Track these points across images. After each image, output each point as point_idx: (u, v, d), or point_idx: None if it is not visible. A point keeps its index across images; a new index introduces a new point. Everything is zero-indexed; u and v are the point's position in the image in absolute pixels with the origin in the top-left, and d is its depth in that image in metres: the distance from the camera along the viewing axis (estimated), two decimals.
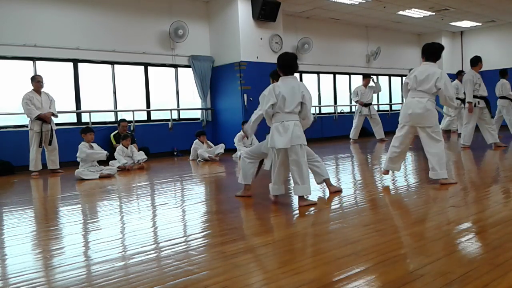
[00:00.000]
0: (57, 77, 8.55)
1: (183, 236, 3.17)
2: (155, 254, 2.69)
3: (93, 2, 8.91)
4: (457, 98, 10.11)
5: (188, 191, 5.11)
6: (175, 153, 9.82)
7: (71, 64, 8.77)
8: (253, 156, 4.37)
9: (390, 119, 14.72)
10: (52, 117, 7.38)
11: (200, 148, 8.66)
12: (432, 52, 4.49)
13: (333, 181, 5.26)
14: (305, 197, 3.83)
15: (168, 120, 9.96)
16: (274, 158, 3.88)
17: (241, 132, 8.92)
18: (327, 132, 12.73)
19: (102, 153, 6.88)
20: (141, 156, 7.73)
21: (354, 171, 6.43)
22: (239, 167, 4.38)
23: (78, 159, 6.82)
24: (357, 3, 11.10)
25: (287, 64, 3.81)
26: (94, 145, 6.98)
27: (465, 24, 14.35)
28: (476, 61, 7.95)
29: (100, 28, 8.99)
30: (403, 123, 4.61)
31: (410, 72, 4.62)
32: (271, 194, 3.99)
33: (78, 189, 5.81)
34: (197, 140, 8.80)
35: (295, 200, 4.36)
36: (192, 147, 8.78)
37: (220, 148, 8.62)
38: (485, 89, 7.84)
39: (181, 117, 10.43)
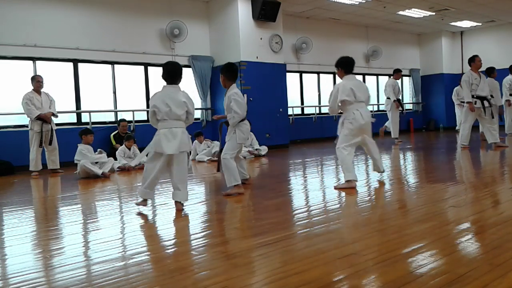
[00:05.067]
0: (57, 77, 8.55)
1: (183, 236, 3.17)
2: (155, 254, 2.69)
3: (93, 2, 8.91)
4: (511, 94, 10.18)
5: (188, 191, 5.10)
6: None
7: (71, 64, 8.77)
8: (234, 153, 4.64)
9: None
10: (52, 117, 7.38)
11: (198, 147, 8.70)
12: (351, 65, 4.80)
13: (333, 181, 5.28)
14: (181, 202, 3.99)
15: None
16: (154, 163, 3.98)
17: None
18: (327, 132, 12.72)
19: (98, 172, 6.65)
20: (143, 159, 7.73)
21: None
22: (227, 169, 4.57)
23: (75, 161, 6.83)
24: (357, 3, 11.10)
25: (171, 74, 3.98)
26: (90, 148, 6.98)
27: (465, 24, 14.34)
28: (472, 59, 7.96)
29: (100, 28, 8.99)
30: (355, 135, 4.71)
31: (336, 91, 4.70)
32: (142, 198, 4.06)
33: (78, 189, 5.81)
34: (196, 140, 8.83)
35: (295, 201, 4.37)
36: (192, 147, 8.80)
37: (216, 146, 8.64)
38: (484, 89, 7.81)
39: None
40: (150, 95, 9.70)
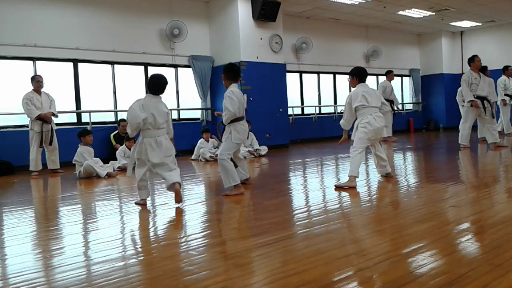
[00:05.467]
0: (57, 77, 8.54)
1: (183, 236, 3.17)
2: (155, 254, 2.69)
3: (93, 2, 8.91)
4: (506, 95, 10.13)
5: (188, 191, 5.11)
6: (175, 153, 9.81)
7: (71, 64, 8.77)
8: (230, 154, 4.69)
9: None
10: (52, 117, 7.38)
11: (205, 147, 8.61)
12: (365, 75, 5.02)
13: (332, 181, 5.28)
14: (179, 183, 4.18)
15: None
16: (141, 168, 4.15)
17: None
18: (327, 132, 12.73)
19: (102, 173, 6.68)
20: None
21: None
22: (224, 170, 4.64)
23: (74, 162, 6.83)
24: (357, 3, 11.09)
25: (157, 86, 4.21)
26: (91, 150, 6.98)
27: (465, 24, 14.34)
28: (472, 59, 7.96)
29: (100, 28, 8.99)
30: (369, 138, 4.85)
31: (349, 100, 4.92)
32: (142, 199, 4.23)
33: (78, 189, 5.81)
34: (202, 139, 8.75)
35: (295, 200, 4.37)
36: (197, 145, 8.70)
37: None
38: (484, 88, 7.82)
39: (181, 117, 10.43)
40: None
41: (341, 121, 5.11)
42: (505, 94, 10.18)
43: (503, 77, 10.28)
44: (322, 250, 2.58)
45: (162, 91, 4.25)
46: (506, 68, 10.32)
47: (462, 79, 7.93)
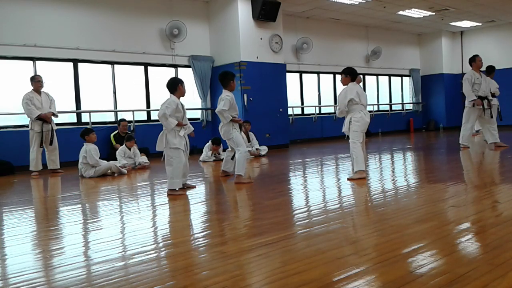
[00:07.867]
0: (57, 77, 8.55)
1: (183, 236, 3.17)
2: (155, 254, 2.69)
3: (93, 2, 8.91)
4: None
5: (188, 191, 5.10)
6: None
7: (71, 64, 8.77)
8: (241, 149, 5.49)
9: (389, 119, 14.74)
10: (53, 117, 7.38)
11: (208, 156, 8.50)
12: (356, 75, 5.49)
13: (332, 181, 5.29)
14: (177, 189, 4.72)
15: None
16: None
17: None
18: (327, 132, 12.74)
19: (124, 171, 7.08)
20: (143, 159, 7.73)
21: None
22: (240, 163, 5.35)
23: (95, 163, 6.74)
24: (357, 3, 11.10)
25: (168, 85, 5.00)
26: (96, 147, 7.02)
27: (465, 24, 14.34)
28: (473, 59, 7.94)
29: (100, 28, 8.99)
30: (362, 131, 5.35)
31: (345, 93, 5.32)
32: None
33: (78, 189, 5.81)
34: (209, 144, 8.59)
35: (295, 200, 4.37)
36: (204, 147, 8.61)
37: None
38: (485, 89, 7.82)
39: None
40: (150, 95, 9.90)
41: (337, 112, 5.61)
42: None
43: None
44: (322, 250, 2.58)
45: (169, 90, 5.00)
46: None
47: (464, 77, 7.90)
